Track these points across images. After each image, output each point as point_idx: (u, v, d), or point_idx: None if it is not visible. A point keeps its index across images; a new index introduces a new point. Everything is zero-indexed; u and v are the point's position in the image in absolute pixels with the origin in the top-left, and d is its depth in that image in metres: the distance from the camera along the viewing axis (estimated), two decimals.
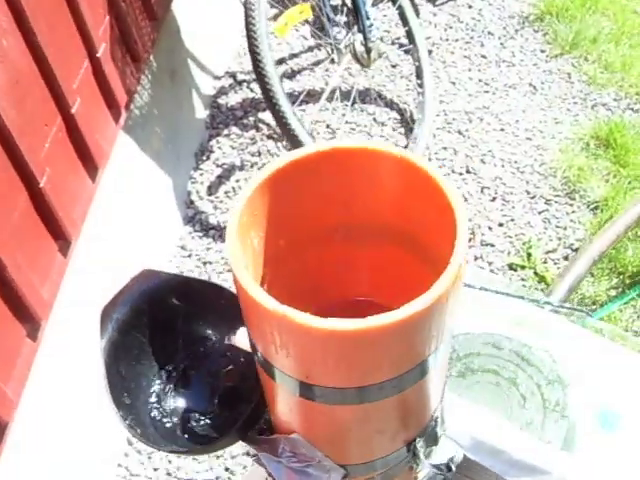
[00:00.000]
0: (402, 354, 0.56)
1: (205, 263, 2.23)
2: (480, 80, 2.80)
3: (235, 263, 0.55)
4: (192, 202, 2.36)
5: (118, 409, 0.75)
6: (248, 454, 1.77)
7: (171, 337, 0.83)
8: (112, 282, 1.63)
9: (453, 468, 0.72)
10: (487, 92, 2.76)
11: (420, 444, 0.69)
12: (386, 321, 0.50)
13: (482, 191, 2.47)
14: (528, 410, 1.10)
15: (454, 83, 2.80)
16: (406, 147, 2.53)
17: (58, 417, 1.64)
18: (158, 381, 0.82)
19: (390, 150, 0.62)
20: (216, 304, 0.82)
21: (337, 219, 0.69)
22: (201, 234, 2.30)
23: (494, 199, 2.44)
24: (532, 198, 2.43)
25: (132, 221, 2.07)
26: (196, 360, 0.84)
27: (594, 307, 2.11)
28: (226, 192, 2.41)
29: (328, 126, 2.61)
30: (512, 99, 2.73)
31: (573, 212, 2.38)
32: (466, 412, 0.85)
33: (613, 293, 2.14)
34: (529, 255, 2.28)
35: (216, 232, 2.30)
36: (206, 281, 0.85)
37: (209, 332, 0.85)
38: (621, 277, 2.17)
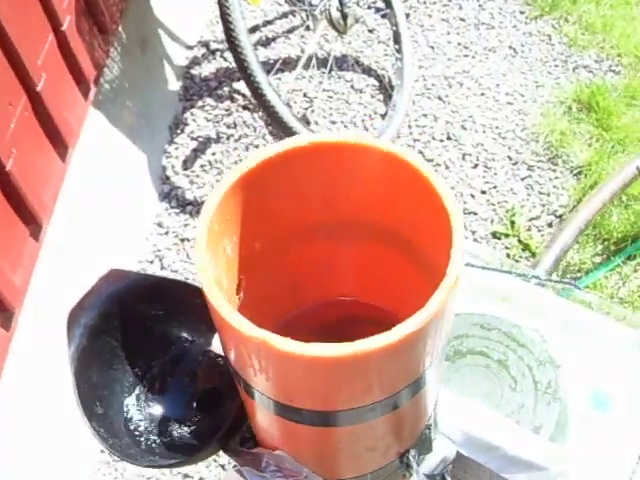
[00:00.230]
0: (395, 375, 0.51)
1: (183, 240, 2.18)
2: (459, 44, 2.74)
3: (207, 281, 0.50)
4: (168, 178, 2.30)
5: (90, 420, 0.71)
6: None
7: (145, 340, 0.79)
8: (88, 264, 1.57)
9: (448, 478, 0.69)
10: (466, 56, 2.70)
11: (413, 454, 0.65)
12: (376, 345, 0.46)
13: (463, 158, 2.42)
14: (519, 393, 1.07)
15: (433, 47, 2.73)
16: (385, 115, 2.48)
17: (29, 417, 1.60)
18: (133, 387, 0.78)
19: (375, 144, 0.57)
20: (191, 304, 0.77)
21: (317, 217, 0.65)
22: (178, 210, 2.24)
23: (476, 166, 2.40)
24: (514, 164, 2.39)
25: (106, 200, 2.01)
26: (172, 363, 0.80)
27: (579, 275, 2.09)
28: (202, 166, 2.34)
29: (305, 95, 2.55)
30: (492, 63, 2.67)
31: (556, 178, 2.34)
32: (458, 406, 0.81)
33: (598, 260, 2.12)
34: (512, 223, 2.24)
35: (193, 208, 2.24)
36: (179, 281, 0.80)
37: (185, 333, 0.80)
38: (606, 244, 2.14)
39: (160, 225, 2.20)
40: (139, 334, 0.79)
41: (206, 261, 0.51)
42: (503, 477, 0.79)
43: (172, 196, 2.27)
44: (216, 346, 0.75)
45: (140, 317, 0.79)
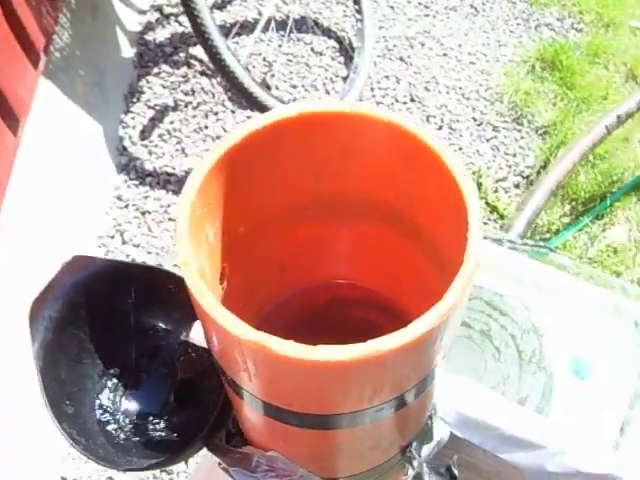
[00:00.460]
0: (408, 373, 0.47)
1: (144, 213, 2.11)
2: (419, 3, 2.68)
3: (192, 276, 0.45)
4: (125, 148, 2.22)
5: (60, 422, 0.65)
6: None
7: (116, 331, 0.73)
8: (46, 242, 1.49)
9: (456, 472, 0.65)
10: (427, 15, 2.65)
11: (415, 446, 0.61)
12: (391, 345, 0.41)
13: (428, 120, 2.38)
14: (503, 363, 1.04)
15: (393, 7, 2.67)
16: (347, 77, 2.42)
17: None
18: (105, 382, 0.72)
19: (374, 114, 0.52)
20: (164, 291, 0.72)
21: (307, 195, 0.59)
22: (137, 182, 2.16)
23: (440, 128, 2.36)
24: (479, 125, 2.36)
25: (62, 174, 1.92)
26: (147, 354, 0.74)
27: (548, 236, 2.07)
28: (160, 135, 2.26)
29: (264, 59, 2.47)
30: (453, 22, 2.63)
31: (522, 138, 2.32)
32: (451, 385, 0.77)
33: (566, 221, 2.10)
34: (479, 185, 2.22)
35: (153, 179, 2.17)
36: (150, 266, 0.74)
37: (159, 322, 0.75)
38: (573, 204, 2.13)
39: (119, 198, 2.12)
40: (109, 325, 0.73)
41: (189, 252, 0.46)
42: (498, 457, 0.76)
43: (131, 167, 2.19)
44: (196, 337, 0.70)
45: (109, 307, 0.73)
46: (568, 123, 2.26)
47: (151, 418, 0.73)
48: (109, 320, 0.74)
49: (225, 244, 0.56)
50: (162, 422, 0.73)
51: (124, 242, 2.04)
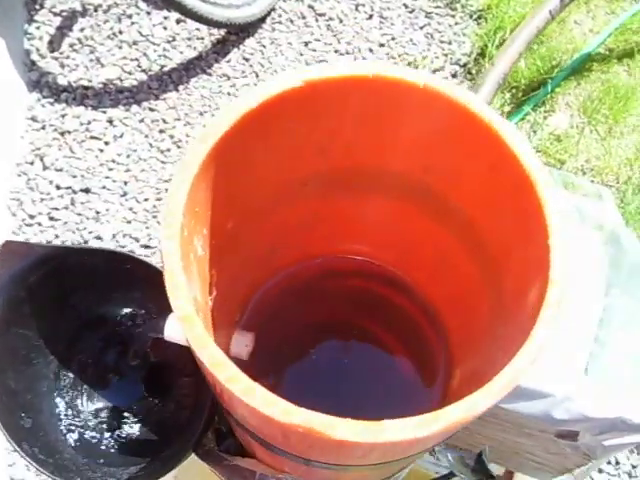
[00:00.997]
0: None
1: (63, 133, 1.95)
2: None
3: (198, 334, 0.36)
4: (34, 63, 2.02)
5: (19, 443, 0.56)
6: None
7: (67, 322, 0.64)
8: None
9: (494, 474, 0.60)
10: None
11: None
12: (422, 434, 0.33)
13: (357, 9, 2.25)
14: None
15: None
16: None
17: None
18: (63, 381, 0.64)
19: (406, 78, 0.41)
20: (119, 272, 0.63)
21: (307, 172, 0.50)
22: (52, 100, 1.99)
23: (371, 17, 2.23)
24: (411, 12, 2.24)
25: None
26: (109, 344, 0.66)
27: None
28: (71, 45, 2.07)
29: None
30: None
31: (456, 24, 2.21)
32: None
33: (508, 109, 2.05)
34: None
35: (69, 95, 2.00)
36: (97, 249, 0.65)
37: (118, 307, 0.66)
38: (514, 91, 2.06)
39: (34, 119, 1.95)
40: (58, 317, 0.64)
41: (186, 296, 0.37)
42: (502, 407, 0.71)
43: (43, 84, 2.00)
44: (172, 335, 0.61)
45: (55, 297, 0.64)
46: (504, 7, 2.16)
47: (123, 415, 0.66)
48: (57, 311, 0.64)
49: (213, 249, 0.47)
50: (135, 418, 0.65)
51: (45, 167, 1.90)
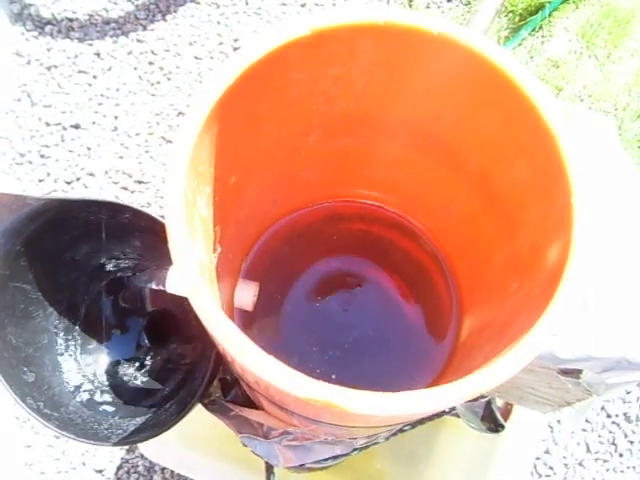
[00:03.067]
0: None
1: (49, 68, 1.90)
2: None
3: (206, 301, 0.35)
4: None
5: (23, 398, 0.56)
6: None
7: (65, 273, 0.63)
8: None
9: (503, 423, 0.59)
10: None
11: None
12: (433, 407, 0.32)
13: None
14: None
15: None
16: None
17: None
18: (64, 333, 0.63)
19: (421, 25, 0.39)
20: (116, 222, 0.61)
21: (312, 120, 0.48)
22: (36, 33, 1.93)
23: None
24: None
25: None
26: (108, 293, 0.65)
27: None
28: None
29: None
30: None
31: None
32: None
33: (505, 34, 2.00)
34: (410, 3, 2.06)
35: (53, 27, 1.94)
36: (93, 200, 0.62)
37: (116, 256, 0.64)
38: (510, 16, 2.01)
39: (19, 54, 1.90)
40: (56, 269, 0.63)
41: (192, 261, 0.36)
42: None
43: (25, 16, 1.94)
44: (174, 288, 0.59)
45: (53, 250, 0.62)
46: None
47: (127, 366, 0.65)
48: (56, 264, 0.63)
49: (216, 206, 0.45)
50: (139, 367, 0.65)
51: (33, 104, 1.85)
